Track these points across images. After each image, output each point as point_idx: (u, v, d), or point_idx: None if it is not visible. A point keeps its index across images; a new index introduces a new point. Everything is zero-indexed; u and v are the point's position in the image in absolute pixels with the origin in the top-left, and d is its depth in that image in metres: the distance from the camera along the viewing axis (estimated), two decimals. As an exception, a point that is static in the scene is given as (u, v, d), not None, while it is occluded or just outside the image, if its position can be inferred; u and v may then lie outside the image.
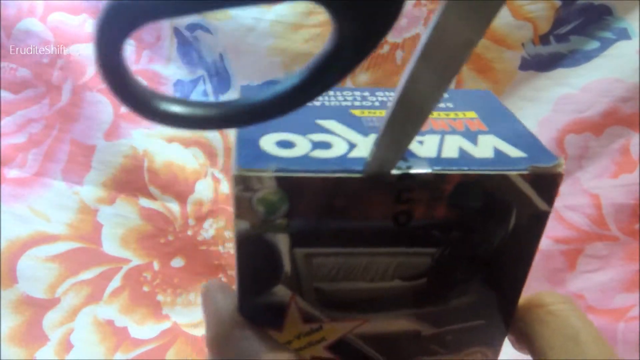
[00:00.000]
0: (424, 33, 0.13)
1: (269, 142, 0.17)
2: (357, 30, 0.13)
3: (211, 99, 0.55)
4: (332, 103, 0.20)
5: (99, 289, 0.50)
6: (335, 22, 0.12)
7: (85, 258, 0.50)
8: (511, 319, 0.21)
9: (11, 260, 0.48)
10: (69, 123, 0.53)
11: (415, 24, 0.51)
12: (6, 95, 0.53)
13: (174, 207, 0.52)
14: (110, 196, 0.52)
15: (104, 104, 0.53)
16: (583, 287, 0.48)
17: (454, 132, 0.19)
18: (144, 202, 0.52)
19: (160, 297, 0.51)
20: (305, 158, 0.17)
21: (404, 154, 0.17)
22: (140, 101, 0.13)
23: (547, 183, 0.17)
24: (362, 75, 0.52)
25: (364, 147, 0.17)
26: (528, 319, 0.20)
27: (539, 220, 0.18)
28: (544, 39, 0.50)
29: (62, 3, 0.54)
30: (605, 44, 0.49)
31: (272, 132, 0.18)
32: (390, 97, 0.21)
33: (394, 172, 0.16)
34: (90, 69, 0.53)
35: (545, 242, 0.48)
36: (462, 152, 0.18)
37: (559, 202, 0.48)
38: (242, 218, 0.17)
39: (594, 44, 0.49)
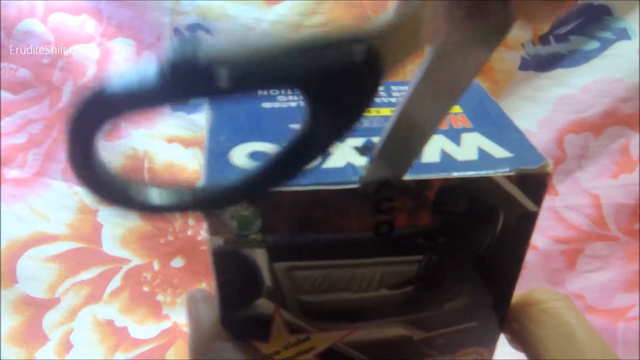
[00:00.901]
0: (425, 55, 0.13)
1: (240, 155, 0.17)
2: (332, 114, 0.12)
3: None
4: None
5: (99, 289, 0.50)
6: (310, 106, 0.12)
7: (85, 258, 0.50)
8: (505, 318, 0.20)
9: (11, 260, 0.48)
10: (69, 123, 0.53)
11: (415, 24, 0.51)
12: (6, 95, 0.53)
13: (174, 207, 0.52)
14: (111, 196, 0.52)
15: (104, 104, 0.53)
16: (583, 287, 0.48)
17: (436, 131, 0.18)
18: (144, 202, 0.52)
19: (160, 297, 0.51)
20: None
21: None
22: (117, 194, 0.13)
23: (534, 184, 0.17)
24: (362, 75, 0.52)
25: (339, 154, 0.17)
26: (522, 318, 0.20)
27: (527, 221, 0.18)
28: (543, 39, 0.50)
29: (62, 3, 0.54)
30: (605, 44, 0.49)
31: (244, 142, 0.17)
32: None
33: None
34: (90, 70, 0.53)
35: (545, 242, 0.48)
36: (444, 155, 0.17)
37: (559, 202, 0.48)
38: (214, 234, 0.16)
39: (594, 44, 0.49)
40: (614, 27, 0.49)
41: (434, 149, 0.17)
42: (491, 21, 0.12)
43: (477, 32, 0.13)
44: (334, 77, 0.12)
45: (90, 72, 0.53)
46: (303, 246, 0.17)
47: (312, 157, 0.13)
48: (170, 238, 0.52)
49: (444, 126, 0.18)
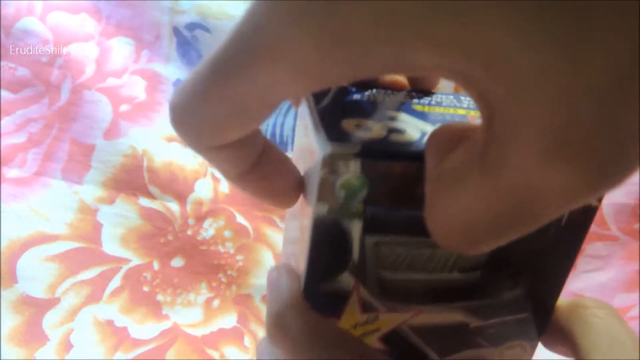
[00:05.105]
0: None
1: (349, 125, 0.18)
2: None
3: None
4: (393, 100, 0.20)
5: (98, 289, 0.50)
6: None
7: (85, 258, 0.50)
8: (551, 313, 0.21)
9: (11, 260, 0.48)
10: (69, 122, 0.53)
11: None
12: (6, 94, 0.53)
13: (174, 206, 0.52)
14: (110, 196, 0.52)
15: (103, 103, 0.53)
16: (583, 287, 0.48)
17: None
18: (144, 201, 0.52)
19: (160, 297, 0.51)
20: (385, 141, 0.17)
21: None
22: None
23: None
24: (362, 74, 0.52)
25: None
26: (572, 318, 0.21)
27: (589, 214, 0.19)
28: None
29: (61, 2, 0.54)
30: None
31: (349, 118, 0.18)
32: (443, 98, 0.21)
33: None
34: (89, 68, 0.53)
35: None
36: None
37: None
38: (322, 201, 0.17)
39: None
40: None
41: None
42: None
43: None
44: None
45: (89, 71, 0.53)
46: (395, 220, 0.18)
47: None
48: (170, 238, 0.52)
49: None
